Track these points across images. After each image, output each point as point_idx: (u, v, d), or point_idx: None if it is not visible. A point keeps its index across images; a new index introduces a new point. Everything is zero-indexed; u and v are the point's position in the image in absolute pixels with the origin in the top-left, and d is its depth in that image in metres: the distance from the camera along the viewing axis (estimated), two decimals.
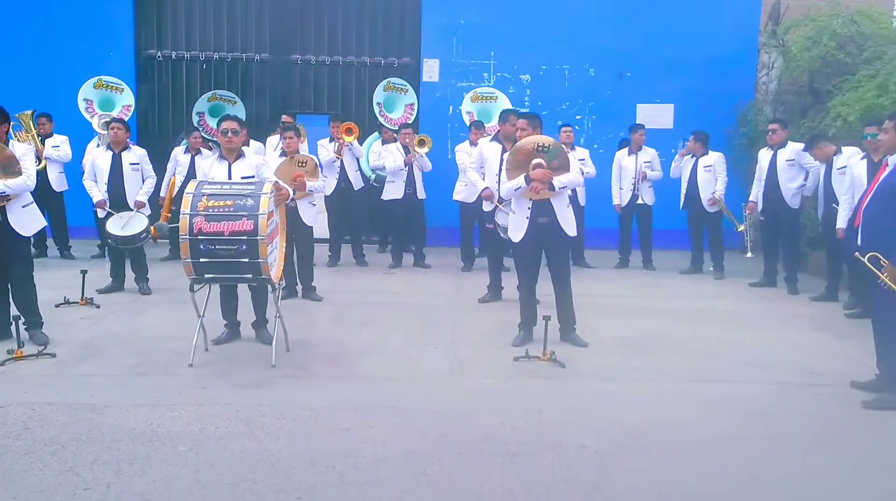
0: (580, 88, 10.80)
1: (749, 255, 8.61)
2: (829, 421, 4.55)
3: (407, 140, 8.89)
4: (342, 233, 9.32)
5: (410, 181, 8.91)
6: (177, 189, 8.69)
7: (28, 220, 5.66)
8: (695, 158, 8.83)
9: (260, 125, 10.54)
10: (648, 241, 9.36)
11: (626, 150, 9.33)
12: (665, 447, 4.10)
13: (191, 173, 8.79)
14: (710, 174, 8.72)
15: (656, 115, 10.63)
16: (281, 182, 5.78)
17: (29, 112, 8.77)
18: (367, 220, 10.18)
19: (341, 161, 8.94)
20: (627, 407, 4.66)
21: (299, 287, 7.41)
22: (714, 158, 8.77)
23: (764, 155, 8.19)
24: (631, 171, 9.18)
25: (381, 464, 3.83)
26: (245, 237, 4.99)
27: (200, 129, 9.74)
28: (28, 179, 5.53)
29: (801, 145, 7.97)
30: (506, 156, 5.92)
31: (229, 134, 5.68)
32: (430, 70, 10.85)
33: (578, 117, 10.76)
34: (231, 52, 10.96)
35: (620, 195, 9.29)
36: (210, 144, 9.39)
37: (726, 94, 10.53)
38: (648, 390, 5.00)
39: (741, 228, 8.68)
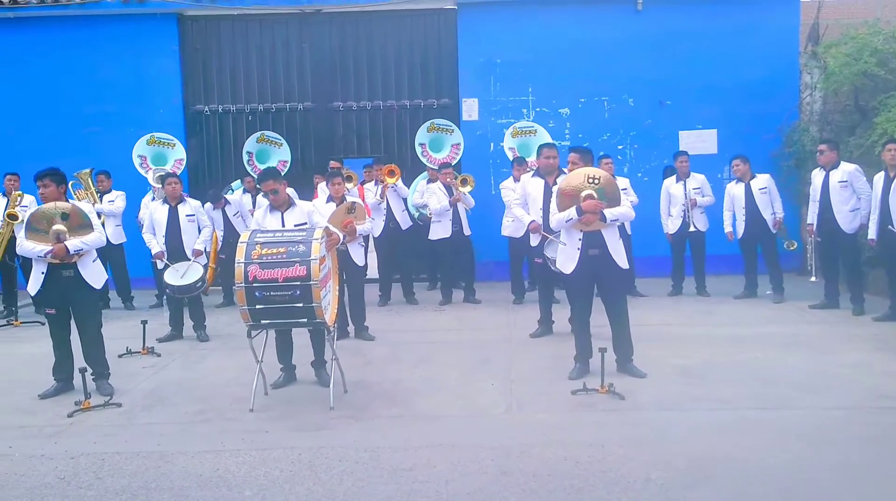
0: (620, 119, 10.82)
1: (813, 279, 8.42)
2: None
3: (448, 180, 9.00)
4: (391, 272, 9.45)
5: (456, 219, 9.01)
6: (219, 244, 8.95)
7: (97, 273, 5.90)
8: (743, 183, 8.71)
9: (306, 170, 10.81)
10: (702, 267, 9.20)
11: (674, 177, 9.25)
12: (733, 478, 4.01)
13: (228, 227, 9.15)
14: (767, 196, 8.60)
15: (699, 141, 10.59)
16: (331, 227, 5.91)
17: (87, 170, 9.12)
18: (415, 258, 10.26)
19: (388, 202, 9.14)
20: (691, 438, 4.58)
21: (350, 328, 7.49)
22: (766, 180, 8.67)
23: (817, 175, 8.06)
24: (680, 198, 9.08)
25: None
26: (299, 283, 5.09)
27: (250, 168, 10.04)
28: (101, 234, 5.79)
29: (854, 166, 7.84)
30: (555, 188, 5.94)
31: (270, 195, 5.90)
32: (470, 109, 11.01)
33: (620, 147, 10.77)
34: (275, 103, 11.27)
35: (671, 223, 9.19)
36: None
37: (770, 116, 10.46)
38: (711, 419, 4.91)
39: (793, 246, 8.57)
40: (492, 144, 10.89)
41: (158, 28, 10.99)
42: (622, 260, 5.79)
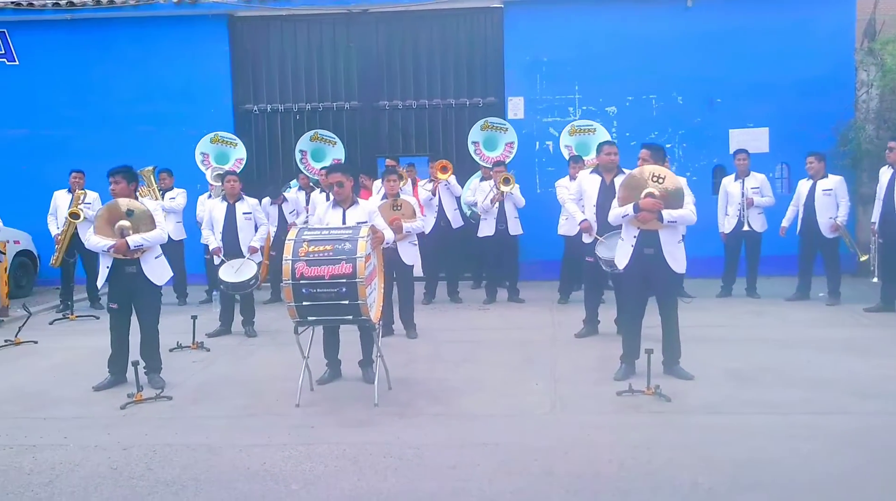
0: (669, 117, 10.66)
1: (875, 280, 8.16)
2: None
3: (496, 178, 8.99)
4: (438, 271, 9.47)
5: (501, 218, 8.98)
6: (272, 239, 9.07)
7: (160, 270, 6.04)
8: (812, 181, 8.49)
9: (352, 169, 10.88)
10: (755, 268, 9.00)
11: (732, 176, 9.06)
12: (783, 485, 3.93)
13: (282, 224, 9.22)
14: (830, 198, 8.35)
15: (751, 139, 10.35)
16: (382, 221, 5.96)
17: (150, 168, 9.29)
18: (463, 258, 10.26)
19: (440, 200, 9.21)
20: (740, 442, 4.49)
21: (395, 325, 7.53)
22: (835, 182, 8.41)
23: (884, 173, 7.83)
24: (737, 197, 8.89)
25: None
26: (345, 280, 5.13)
27: (303, 166, 10.17)
28: (163, 231, 5.93)
29: None
30: (620, 182, 5.88)
31: (335, 187, 5.93)
32: (515, 108, 10.96)
33: (668, 146, 10.53)
34: (322, 102, 11.39)
35: (726, 222, 8.99)
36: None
37: (824, 114, 10.17)
38: (761, 423, 4.81)
39: (864, 257, 8.25)
40: (537, 143, 10.84)
41: (209, 29, 11.18)
42: (676, 263, 5.67)
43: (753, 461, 4.20)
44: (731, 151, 9.86)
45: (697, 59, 10.41)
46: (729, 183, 9.05)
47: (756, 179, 8.94)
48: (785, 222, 8.76)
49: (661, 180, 5.57)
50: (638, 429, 4.76)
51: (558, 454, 4.39)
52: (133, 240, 5.74)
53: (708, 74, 10.42)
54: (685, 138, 10.65)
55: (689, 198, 5.72)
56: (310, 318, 5.35)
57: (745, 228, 8.83)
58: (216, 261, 7.70)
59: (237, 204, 7.78)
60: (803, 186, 8.63)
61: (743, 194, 8.83)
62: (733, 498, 3.79)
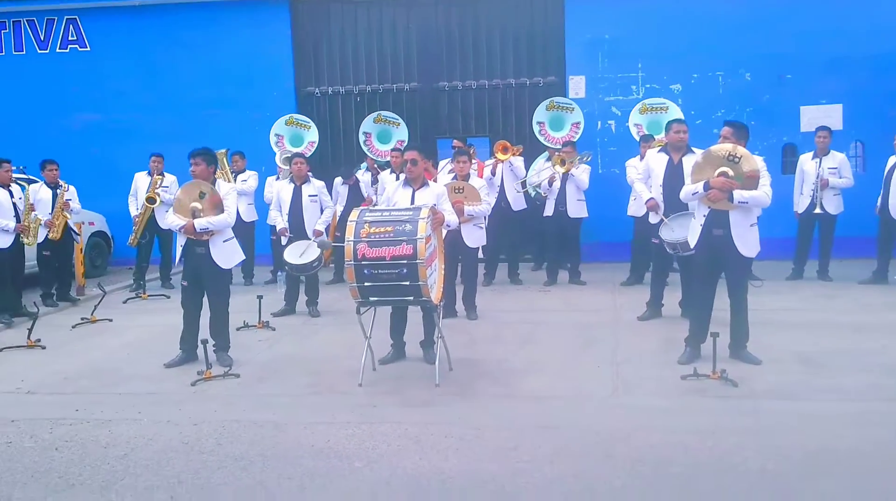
0: (736, 94, 10.36)
1: None
2: None
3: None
4: (498, 252, 9.44)
5: (561, 199, 8.88)
6: (338, 218, 9.17)
7: (229, 253, 6.17)
8: None
9: (428, 149, 10.92)
10: (828, 251, 8.68)
11: (811, 153, 8.70)
12: (856, 472, 3.81)
13: (350, 202, 9.29)
14: None
15: (823, 116, 9.97)
16: (450, 205, 5.98)
17: (223, 151, 9.47)
18: (524, 240, 10.20)
19: (502, 181, 9.15)
20: (810, 428, 4.37)
21: (456, 306, 7.55)
22: None
23: None
24: (812, 176, 8.53)
25: (551, 485, 3.81)
26: (405, 261, 5.15)
27: (366, 148, 10.25)
28: (229, 216, 6.04)
29: None
30: (696, 159, 5.73)
31: (408, 165, 5.96)
32: (577, 87, 10.81)
33: None
34: (382, 84, 11.45)
35: (801, 202, 8.67)
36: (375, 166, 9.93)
37: None
38: (832, 410, 4.67)
39: None
40: (599, 123, 10.68)
41: (272, 13, 11.35)
42: (745, 247, 5.50)
43: (824, 448, 4.09)
44: (803, 129, 9.52)
45: (766, 33, 10.08)
46: (806, 161, 8.68)
47: (835, 158, 8.54)
48: (879, 201, 8.39)
49: (736, 160, 5.42)
50: (703, 414, 4.68)
51: (620, 437, 4.35)
52: (199, 223, 5.91)
53: (777, 49, 10.09)
54: (753, 116, 10.29)
55: (764, 180, 5.47)
56: (371, 298, 5.38)
57: (817, 210, 8.50)
58: (283, 242, 7.84)
59: (304, 186, 7.89)
60: (890, 163, 8.26)
61: (818, 174, 8.49)
62: (803, 485, 3.70)
